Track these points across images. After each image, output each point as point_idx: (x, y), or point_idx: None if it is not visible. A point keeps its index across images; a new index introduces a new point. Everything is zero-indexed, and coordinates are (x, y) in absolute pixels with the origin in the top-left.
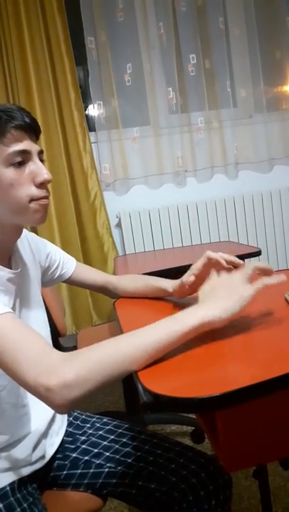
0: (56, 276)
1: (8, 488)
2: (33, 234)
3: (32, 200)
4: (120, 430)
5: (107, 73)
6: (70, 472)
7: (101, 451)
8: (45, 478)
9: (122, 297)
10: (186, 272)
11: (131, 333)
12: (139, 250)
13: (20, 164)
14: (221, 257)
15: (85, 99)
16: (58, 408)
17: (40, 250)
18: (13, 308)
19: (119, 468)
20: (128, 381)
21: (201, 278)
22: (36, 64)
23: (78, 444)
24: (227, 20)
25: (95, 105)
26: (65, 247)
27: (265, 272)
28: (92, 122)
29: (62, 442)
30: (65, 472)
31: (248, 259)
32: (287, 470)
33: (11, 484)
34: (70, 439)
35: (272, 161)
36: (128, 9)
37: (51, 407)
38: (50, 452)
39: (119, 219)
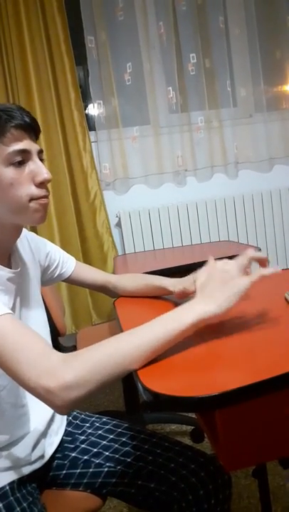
0: (56, 275)
1: (7, 487)
2: (33, 233)
3: (32, 199)
4: (120, 429)
5: (107, 72)
6: (69, 471)
7: (100, 450)
8: (45, 477)
9: (121, 296)
10: (186, 271)
11: (129, 332)
12: (139, 250)
13: (20, 164)
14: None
15: (85, 98)
16: (59, 409)
17: (39, 249)
18: (13, 307)
19: (119, 467)
20: (128, 380)
21: None
22: (36, 63)
23: (77, 443)
24: (227, 19)
25: (95, 104)
26: (65, 246)
27: (261, 262)
28: (92, 122)
29: (62, 442)
30: (64, 471)
31: None
32: (286, 469)
33: (11, 484)
34: (70, 438)
35: (273, 160)
36: (128, 8)
37: (52, 407)
38: (49, 452)
39: (119, 218)
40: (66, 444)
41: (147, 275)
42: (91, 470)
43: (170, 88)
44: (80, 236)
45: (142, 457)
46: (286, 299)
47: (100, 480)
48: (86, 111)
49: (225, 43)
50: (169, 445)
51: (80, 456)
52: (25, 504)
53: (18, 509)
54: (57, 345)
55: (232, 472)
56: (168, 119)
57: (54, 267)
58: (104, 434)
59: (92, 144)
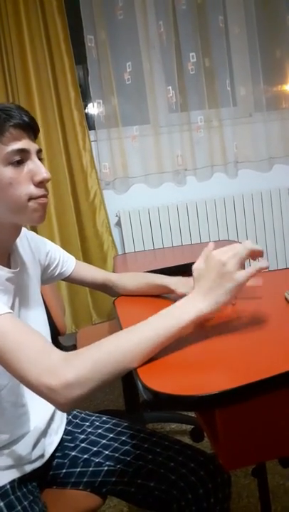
0: (56, 274)
1: (8, 486)
2: (33, 232)
3: (31, 199)
4: (119, 428)
5: (107, 72)
6: (69, 470)
7: (100, 449)
8: (45, 476)
9: (122, 295)
10: (186, 270)
11: (129, 330)
12: (139, 249)
13: (19, 163)
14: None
15: (85, 97)
16: (61, 406)
17: (39, 249)
18: (12, 307)
19: (119, 466)
20: (128, 379)
21: None
22: (36, 63)
23: (77, 442)
24: (227, 18)
25: (95, 104)
26: (65, 245)
27: (256, 254)
28: (91, 121)
29: (62, 441)
30: (64, 470)
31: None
32: (286, 468)
33: (11, 482)
34: (70, 437)
35: (272, 160)
36: (128, 7)
37: (54, 405)
38: (49, 451)
39: (119, 218)
40: (66, 443)
41: (148, 273)
42: (91, 469)
43: (170, 87)
44: (79, 235)
45: (141, 456)
46: (286, 299)
47: (99, 479)
48: (86, 110)
49: (225, 42)
50: (169, 444)
51: (79, 455)
52: (26, 503)
53: (18, 508)
54: (57, 345)
55: (232, 471)
56: (168, 118)
57: (54, 265)
58: (104, 433)
59: (92, 143)
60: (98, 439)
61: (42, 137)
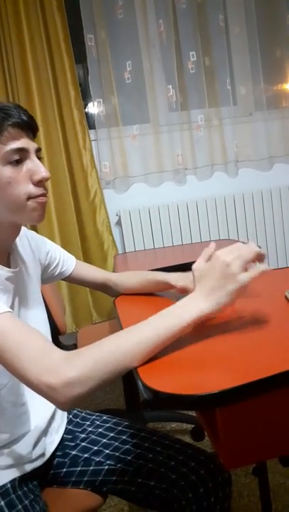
0: (56, 273)
1: (9, 485)
2: (33, 232)
3: (30, 198)
4: (120, 428)
5: (107, 71)
6: (69, 470)
7: (101, 448)
8: (46, 475)
9: (122, 294)
10: (186, 270)
11: (129, 329)
12: (139, 248)
13: (18, 162)
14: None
15: (85, 97)
16: (61, 405)
17: (40, 248)
18: (12, 307)
19: (119, 465)
20: (128, 378)
21: None
22: (36, 62)
23: (78, 441)
24: (227, 17)
25: (95, 103)
26: (65, 245)
27: (259, 257)
28: (91, 120)
29: (62, 440)
30: (64, 470)
31: None
32: (286, 467)
33: (12, 481)
34: (70, 436)
35: (272, 159)
36: (128, 7)
37: (54, 404)
38: (50, 450)
39: (119, 217)
40: (67, 442)
41: (147, 271)
42: (91, 468)
43: (170, 86)
44: (80, 235)
45: (142, 455)
46: (286, 298)
47: (100, 478)
48: (86, 109)
49: (225, 41)
50: (170, 443)
51: (80, 454)
52: (26, 502)
53: (19, 507)
54: (57, 344)
55: (232, 470)
56: (168, 117)
57: (54, 265)
58: (105, 432)
59: (92, 142)
60: (99, 438)
61: (42, 136)
